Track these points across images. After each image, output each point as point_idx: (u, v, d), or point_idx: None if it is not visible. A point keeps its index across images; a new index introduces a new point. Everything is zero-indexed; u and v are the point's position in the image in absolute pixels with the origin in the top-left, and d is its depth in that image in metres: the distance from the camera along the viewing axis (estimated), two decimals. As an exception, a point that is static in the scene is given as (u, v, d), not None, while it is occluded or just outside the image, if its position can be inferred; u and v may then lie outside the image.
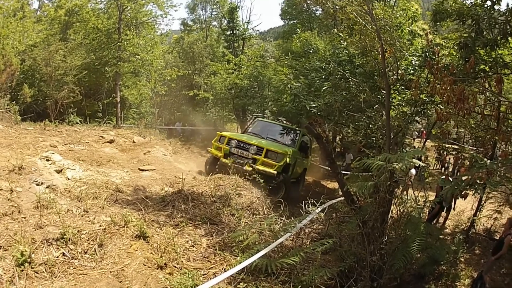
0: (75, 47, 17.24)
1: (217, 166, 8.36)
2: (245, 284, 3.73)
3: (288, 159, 8.10)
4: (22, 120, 11.68)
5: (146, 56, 17.35)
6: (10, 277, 3.68)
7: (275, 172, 7.79)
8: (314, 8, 19.37)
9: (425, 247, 4.29)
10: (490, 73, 6.01)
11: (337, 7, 6.31)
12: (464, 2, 5.91)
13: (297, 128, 9.86)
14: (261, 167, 7.87)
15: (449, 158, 14.78)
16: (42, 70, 15.37)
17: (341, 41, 7.83)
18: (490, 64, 6.05)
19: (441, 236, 4.90)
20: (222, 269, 4.14)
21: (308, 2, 18.30)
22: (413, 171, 8.62)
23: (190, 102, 21.68)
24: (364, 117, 6.56)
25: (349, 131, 7.94)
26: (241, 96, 17.41)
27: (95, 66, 17.63)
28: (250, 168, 7.74)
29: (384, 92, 5.75)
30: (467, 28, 5.82)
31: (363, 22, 5.67)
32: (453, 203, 8.72)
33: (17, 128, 9.17)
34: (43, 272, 3.84)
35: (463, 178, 4.08)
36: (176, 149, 12.80)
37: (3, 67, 14.32)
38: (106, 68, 17.63)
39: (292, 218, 5.45)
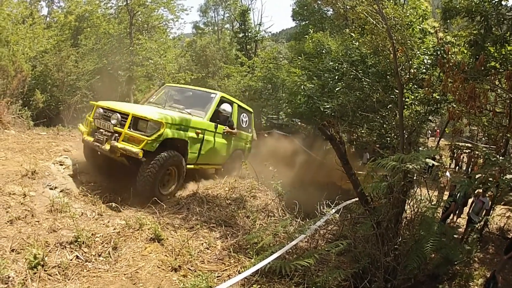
0: (87, 52, 17.38)
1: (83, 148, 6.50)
2: (259, 286, 3.73)
3: (169, 132, 5.80)
4: (34, 125, 11.64)
5: (159, 60, 17.40)
6: (23, 280, 3.69)
7: (139, 151, 5.39)
8: (325, 9, 19.28)
9: (439, 247, 4.25)
10: (500, 70, 5.92)
11: (347, 7, 6.32)
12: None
13: (212, 92, 7.69)
14: (121, 144, 5.51)
15: (463, 157, 14.57)
16: (54, 76, 15.51)
17: (353, 41, 7.80)
18: (500, 61, 5.95)
19: (455, 236, 4.84)
20: (236, 271, 4.12)
21: (319, 2, 18.28)
22: (448, 174, 8.55)
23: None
24: (378, 117, 6.53)
25: (363, 131, 7.87)
26: (256, 98, 17.43)
27: (107, 70, 17.63)
28: (108, 148, 5.59)
29: (397, 91, 5.73)
30: (476, 25, 5.76)
31: (374, 22, 5.67)
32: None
33: (29, 133, 9.11)
34: (56, 274, 3.86)
35: (476, 176, 4.05)
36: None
37: (13, 73, 14.42)
38: (119, 72, 17.65)
39: (307, 220, 5.35)
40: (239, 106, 8.23)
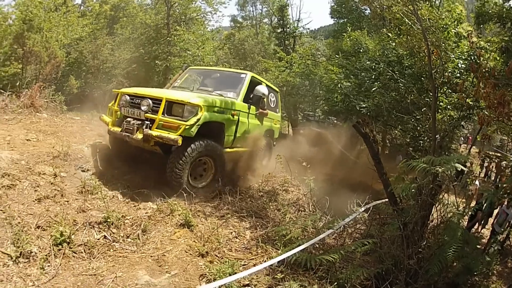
0: (123, 41, 17.67)
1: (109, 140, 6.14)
2: (283, 275, 3.73)
3: (208, 115, 5.40)
4: (68, 110, 11.61)
5: (197, 52, 17.39)
6: (46, 255, 3.67)
7: (178, 137, 5.02)
8: (363, 8, 18.95)
9: (461, 255, 4.17)
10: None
11: (384, 6, 6.29)
12: (504, 5, 5.66)
13: (242, 73, 7.30)
14: (156, 132, 5.13)
15: (492, 166, 13.97)
16: (89, 63, 15.95)
17: (390, 41, 7.72)
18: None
19: (478, 246, 4.74)
20: (263, 261, 4.10)
21: (356, 1, 17.97)
22: (477, 182, 8.34)
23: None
24: (412, 120, 6.47)
25: (396, 131, 7.79)
26: (293, 94, 17.42)
27: (144, 60, 17.76)
28: (141, 137, 5.15)
29: (432, 94, 5.65)
30: (507, 31, 5.58)
31: (409, 23, 5.63)
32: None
33: (62, 117, 9.10)
34: (81, 252, 3.85)
35: (503, 186, 3.99)
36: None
37: (47, 59, 14.89)
38: (156, 62, 17.66)
39: (336, 217, 5.38)
40: (267, 86, 7.80)
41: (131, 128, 5.31)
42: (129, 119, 5.44)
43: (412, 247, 4.07)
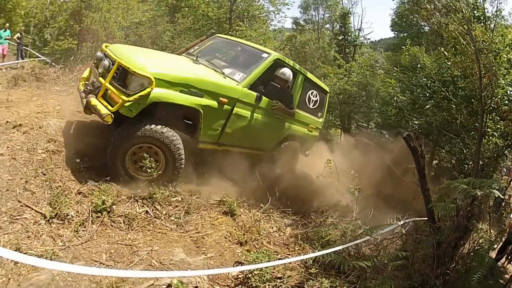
0: (184, 30, 17.64)
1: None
2: (317, 270, 3.82)
3: (163, 93, 4.20)
4: None
5: None
6: (82, 220, 3.68)
7: (108, 114, 4.04)
8: (422, 23, 18.44)
9: (484, 286, 4.07)
10: None
11: (441, 24, 6.31)
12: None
13: (266, 51, 5.78)
14: (96, 101, 4.25)
15: None
16: (148, 48, 15.77)
17: (446, 60, 7.67)
18: None
19: (500, 280, 4.63)
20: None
21: (416, 16, 17.54)
22: None
23: (299, 101, 21.72)
24: (459, 142, 6.44)
25: (444, 152, 7.69)
26: (348, 103, 17.38)
27: None
28: (84, 103, 4.36)
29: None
30: None
31: (464, 42, 5.64)
32: None
33: None
34: (120, 223, 3.83)
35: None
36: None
37: (104, 38, 15.15)
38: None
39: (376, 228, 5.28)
40: (306, 78, 6.36)
41: (86, 91, 4.59)
42: (93, 80, 4.75)
43: (441, 267, 4.13)
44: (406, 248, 5.07)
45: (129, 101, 4.08)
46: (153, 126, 4.30)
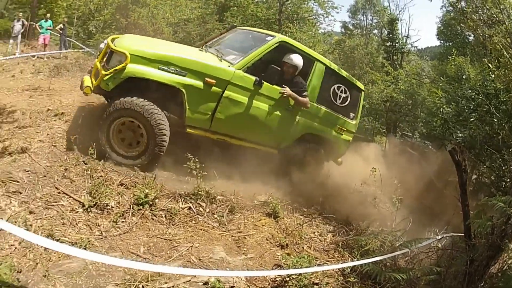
0: None
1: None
2: (354, 279, 3.84)
3: (138, 69, 4.29)
4: None
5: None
6: (123, 212, 3.64)
7: (87, 87, 4.43)
8: (467, 33, 17.81)
9: None
10: None
11: (486, 35, 6.29)
12: None
13: (271, 34, 5.43)
14: (87, 78, 4.66)
15: None
16: (196, 44, 16.53)
17: (490, 72, 7.59)
18: None
19: None
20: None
21: (462, 25, 16.98)
22: None
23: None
24: (500, 158, 6.40)
25: (484, 167, 7.56)
26: (395, 111, 17.25)
27: None
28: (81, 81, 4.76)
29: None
30: None
31: (507, 56, 5.61)
32: None
33: None
34: (161, 217, 3.79)
35: None
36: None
37: (152, 34, 15.14)
38: None
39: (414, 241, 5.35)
40: (328, 69, 5.70)
41: (88, 72, 4.89)
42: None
43: (471, 285, 4.22)
44: (441, 263, 5.09)
45: (106, 75, 4.32)
46: (134, 98, 4.38)
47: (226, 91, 4.78)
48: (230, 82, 4.78)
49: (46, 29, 15.31)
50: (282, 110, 5.30)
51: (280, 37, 5.29)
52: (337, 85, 5.89)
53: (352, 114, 6.35)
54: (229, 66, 4.84)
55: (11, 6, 22.67)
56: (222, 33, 6.59)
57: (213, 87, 4.68)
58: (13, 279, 2.69)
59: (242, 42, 5.76)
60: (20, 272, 2.80)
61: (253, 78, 4.93)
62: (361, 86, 6.52)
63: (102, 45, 4.99)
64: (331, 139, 6.10)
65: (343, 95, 5.98)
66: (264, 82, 5.04)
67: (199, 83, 4.60)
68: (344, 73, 6.14)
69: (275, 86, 5.17)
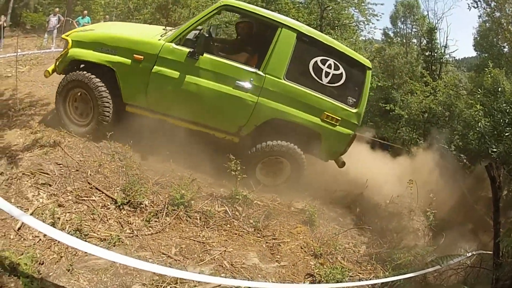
0: None
1: None
2: None
3: (77, 51, 4.62)
4: None
5: None
6: (156, 211, 3.54)
7: (46, 71, 5.00)
8: (503, 45, 17.14)
9: None
10: None
11: None
12: None
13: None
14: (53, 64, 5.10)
15: None
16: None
17: (524, 85, 7.44)
18: None
19: None
20: (369, 278, 4.06)
21: (499, 37, 16.38)
22: None
23: (384, 115, 21.15)
24: (530, 175, 6.30)
25: None
26: (433, 122, 16.79)
27: None
28: None
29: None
30: None
31: None
32: None
33: None
34: (196, 219, 3.69)
35: None
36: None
37: None
38: None
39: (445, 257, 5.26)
40: (301, 35, 4.61)
41: None
42: None
43: None
44: (468, 281, 5.05)
45: (57, 59, 4.84)
46: (84, 72, 4.67)
47: (155, 66, 4.46)
48: (159, 57, 4.45)
49: (83, 26, 15.53)
50: (231, 87, 4.51)
51: (223, 0, 4.56)
52: (321, 58, 4.65)
53: (351, 100, 4.92)
54: (159, 40, 4.54)
55: (45, 1, 22.70)
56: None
57: (142, 63, 4.44)
58: (33, 270, 2.62)
59: None
60: (42, 264, 2.74)
61: (186, 50, 4.43)
62: (366, 62, 5.04)
63: None
64: (314, 129, 4.83)
65: (333, 71, 4.72)
66: (204, 55, 4.43)
67: (127, 60, 4.47)
68: (336, 43, 4.88)
69: (219, 59, 4.51)
